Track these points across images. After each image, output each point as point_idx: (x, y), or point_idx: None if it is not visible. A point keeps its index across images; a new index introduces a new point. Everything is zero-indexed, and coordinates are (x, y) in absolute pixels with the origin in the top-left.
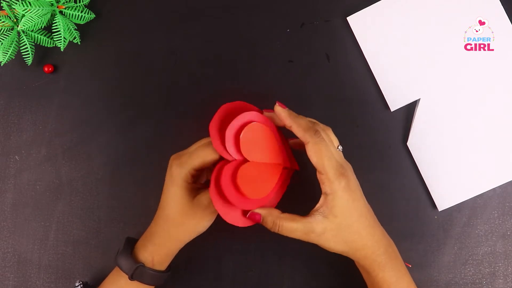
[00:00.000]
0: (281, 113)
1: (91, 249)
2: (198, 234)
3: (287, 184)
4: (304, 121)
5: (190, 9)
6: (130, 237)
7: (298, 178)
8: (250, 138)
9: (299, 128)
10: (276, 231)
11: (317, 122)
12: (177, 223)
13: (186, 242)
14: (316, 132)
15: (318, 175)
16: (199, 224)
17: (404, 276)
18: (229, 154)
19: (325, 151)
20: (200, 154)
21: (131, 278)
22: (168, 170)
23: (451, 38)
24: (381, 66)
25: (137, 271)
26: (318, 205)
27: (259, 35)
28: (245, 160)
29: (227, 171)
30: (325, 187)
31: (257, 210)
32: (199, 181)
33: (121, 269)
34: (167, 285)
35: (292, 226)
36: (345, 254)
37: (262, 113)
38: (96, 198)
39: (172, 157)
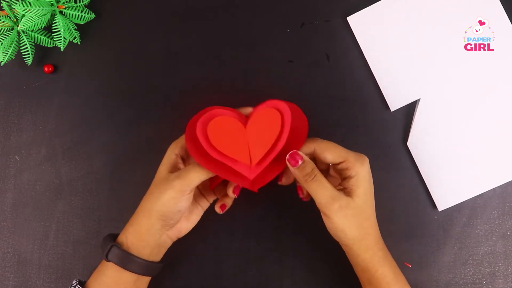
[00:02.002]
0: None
1: (91, 249)
2: (163, 216)
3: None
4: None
5: (190, 9)
6: None
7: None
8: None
9: (305, 144)
10: (308, 180)
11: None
12: (148, 194)
13: (156, 225)
14: (315, 138)
15: (338, 167)
16: (160, 197)
17: (399, 274)
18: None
19: (334, 144)
20: None
21: (106, 258)
22: None
23: (451, 38)
24: (381, 66)
25: (112, 252)
26: (340, 187)
27: (259, 35)
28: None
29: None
30: (349, 171)
31: (302, 154)
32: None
33: (102, 251)
34: (166, 285)
35: (325, 183)
36: (347, 242)
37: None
38: (96, 198)
39: None
